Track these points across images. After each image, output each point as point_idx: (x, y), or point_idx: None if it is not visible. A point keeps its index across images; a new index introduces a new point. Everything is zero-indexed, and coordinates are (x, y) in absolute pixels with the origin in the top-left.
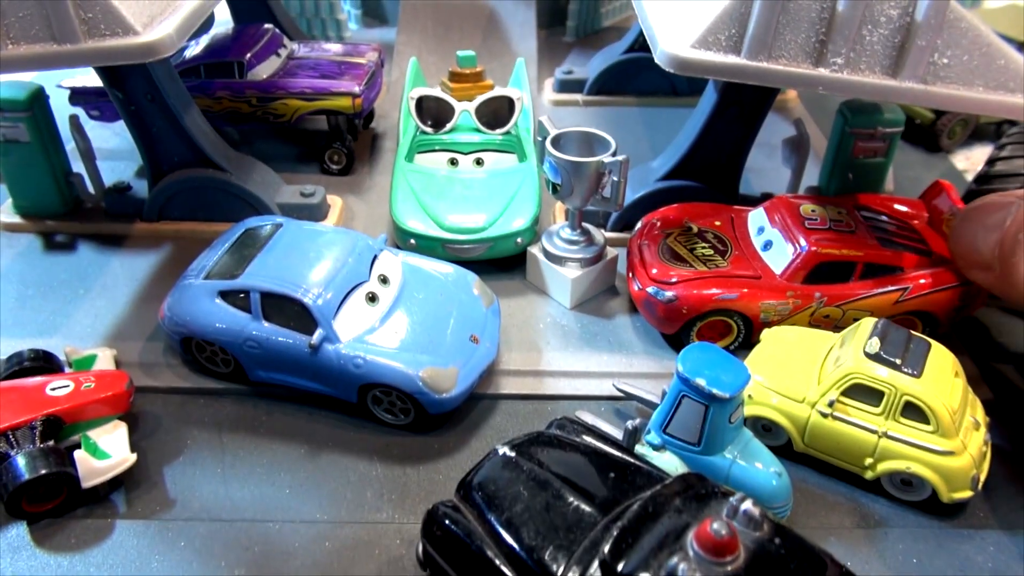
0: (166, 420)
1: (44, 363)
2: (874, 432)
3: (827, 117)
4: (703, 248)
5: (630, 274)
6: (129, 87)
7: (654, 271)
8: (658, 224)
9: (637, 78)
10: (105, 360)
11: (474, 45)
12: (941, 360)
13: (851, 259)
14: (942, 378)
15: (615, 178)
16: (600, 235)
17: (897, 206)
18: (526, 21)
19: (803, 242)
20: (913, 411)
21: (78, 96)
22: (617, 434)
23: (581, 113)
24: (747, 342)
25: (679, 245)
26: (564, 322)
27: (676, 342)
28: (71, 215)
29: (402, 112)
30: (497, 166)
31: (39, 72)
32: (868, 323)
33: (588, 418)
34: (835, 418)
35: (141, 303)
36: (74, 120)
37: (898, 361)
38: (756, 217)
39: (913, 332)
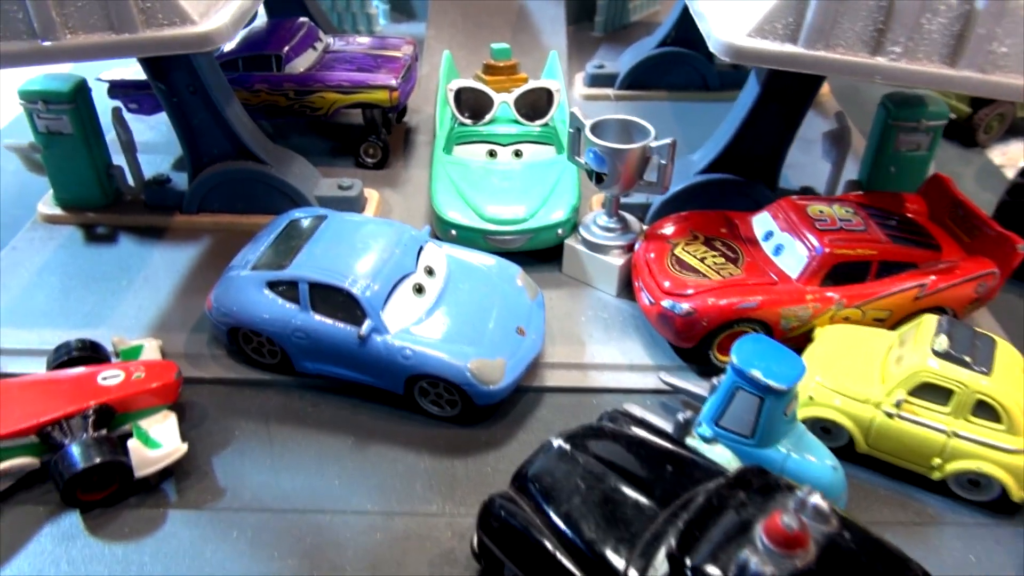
0: (213, 410)
1: (92, 353)
2: (943, 432)
3: (860, 110)
4: (714, 257)
5: (638, 286)
6: (172, 79)
7: (666, 284)
8: (663, 235)
9: (669, 73)
10: (151, 350)
11: (504, 40)
12: (1008, 357)
13: (866, 258)
14: (1011, 375)
15: (662, 161)
16: (636, 221)
17: (898, 202)
18: (556, 17)
19: (817, 244)
20: (984, 409)
21: (117, 89)
22: (667, 427)
23: (612, 108)
24: None
25: (689, 255)
26: (606, 315)
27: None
28: (111, 207)
29: (438, 105)
30: (536, 158)
31: (81, 63)
32: (930, 320)
33: (637, 411)
34: (902, 418)
35: (183, 295)
36: (116, 112)
37: (968, 359)
38: (762, 221)
39: (977, 329)
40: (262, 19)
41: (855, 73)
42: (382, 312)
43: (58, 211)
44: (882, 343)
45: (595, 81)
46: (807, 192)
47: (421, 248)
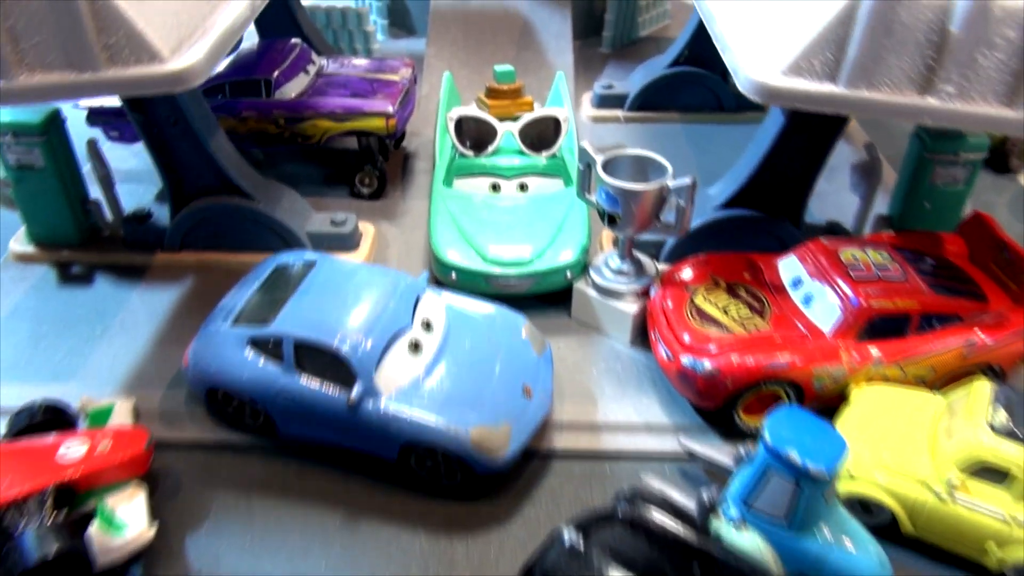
0: (188, 480)
1: (57, 417)
2: (1002, 518)
3: (889, 139)
4: (737, 307)
5: (655, 338)
6: (151, 110)
7: (686, 337)
8: (681, 280)
9: (682, 93)
10: (123, 412)
11: (508, 58)
12: None
13: (907, 311)
14: None
15: (681, 203)
16: (651, 263)
17: (937, 243)
18: (562, 33)
19: (851, 295)
20: None
21: (96, 116)
22: (689, 504)
23: (622, 130)
24: None
25: (709, 304)
26: (619, 366)
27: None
28: (88, 244)
29: (438, 132)
30: (542, 191)
31: (57, 102)
32: (983, 388)
33: (656, 485)
34: (955, 501)
35: (162, 344)
36: (92, 145)
37: None
38: (789, 266)
39: None
40: (252, 39)
41: (902, 115)
42: (374, 374)
43: (31, 249)
44: (927, 408)
45: (603, 102)
46: (834, 228)
47: (418, 299)
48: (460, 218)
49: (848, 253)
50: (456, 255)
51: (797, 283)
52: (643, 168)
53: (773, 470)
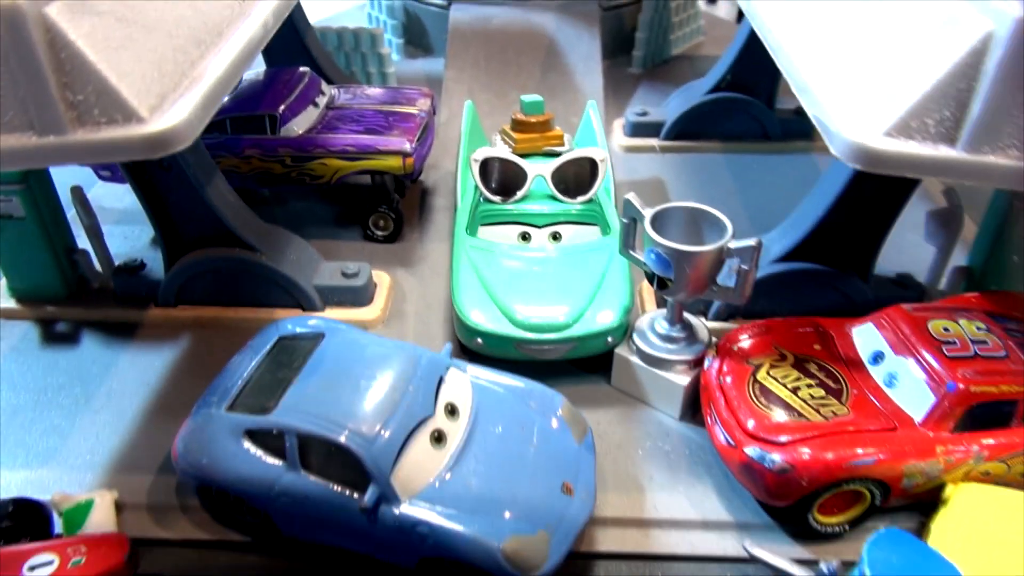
0: None
1: (29, 516)
2: None
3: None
4: (809, 386)
5: (711, 421)
6: None
7: (750, 423)
8: (741, 350)
9: (723, 121)
10: (103, 508)
11: (533, 81)
12: None
13: (1013, 397)
14: None
15: (743, 267)
16: (704, 328)
17: None
18: (590, 54)
19: (947, 378)
20: None
21: None
22: None
23: (658, 161)
24: (882, 508)
25: (776, 382)
26: (668, 446)
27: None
28: (75, 298)
29: (459, 169)
30: (577, 240)
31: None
32: None
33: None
34: None
35: (153, 418)
36: (77, 192)
37: None
38: (866, 337)
39: None
40: (259, 67)
41: None
42: (391, 473)
43: (13, 304)
44: None
45: (637, 130)
46: (906, 280)
47: (441, 379)
48: (485, 273)
49: (938, 325)
50: (482, 317)
51: (877, 358)
52: (696, 223)
53: None
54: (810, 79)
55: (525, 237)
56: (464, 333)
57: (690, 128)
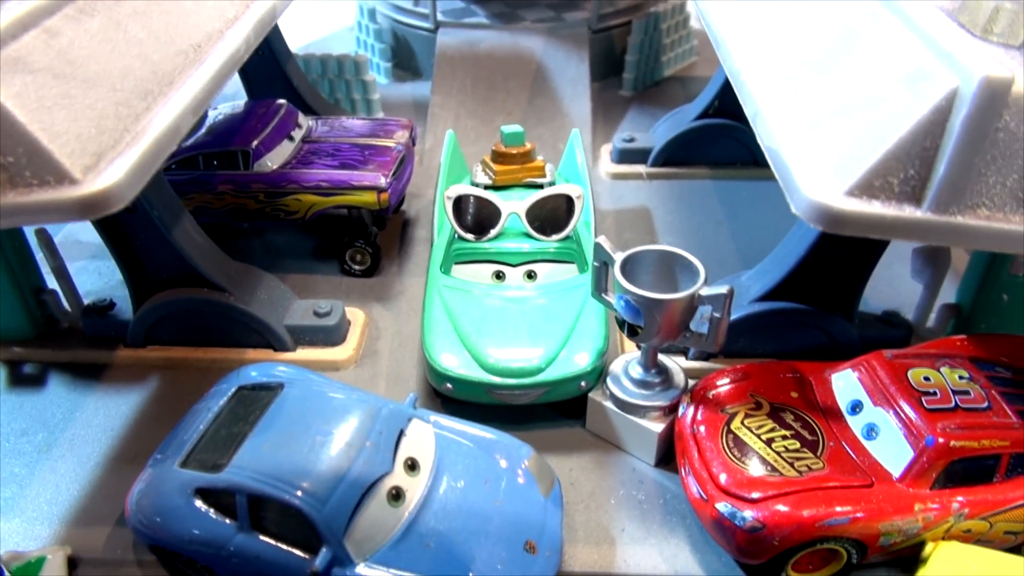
0: None
1: None
2: None
3: None
4: (784, 438)
5: (684, 472)
6: None
7: (723, 478)
8: (716, 397)
9: (711, 147)
10: (55, 566)
11: (520, 107)
12: None
13: (995, 451)
14: None
15: (715, 314)
16: (680, 372)
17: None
18: (578, 77)
19: (926, 432)
20: None
21: None
22: None
23: (645, 188)
24: (858, 565)
25: (750, 434)
26: (642, 495)
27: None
28: (44, 339)
29: (437, 204)
30: (553, 279)
31: None
32: None
33: None
34: None
35: (114, 466)
36: (42, 234)
37: None
38: (845, 384)
39: None
40: (240, 98)
41: (1007, 247)
42: (345, 535)
43: None
44: None
45: (624, 157)
46: (892, 318)
47: (402, 432)
48: (458, 314)
49: (918, 374)
50: (452, 361)
51: (856, 408)
52: (669, 267)
53: None
54: (775, 130)
55: (500, 276)
56: (434, 377)
57: (678, 155)
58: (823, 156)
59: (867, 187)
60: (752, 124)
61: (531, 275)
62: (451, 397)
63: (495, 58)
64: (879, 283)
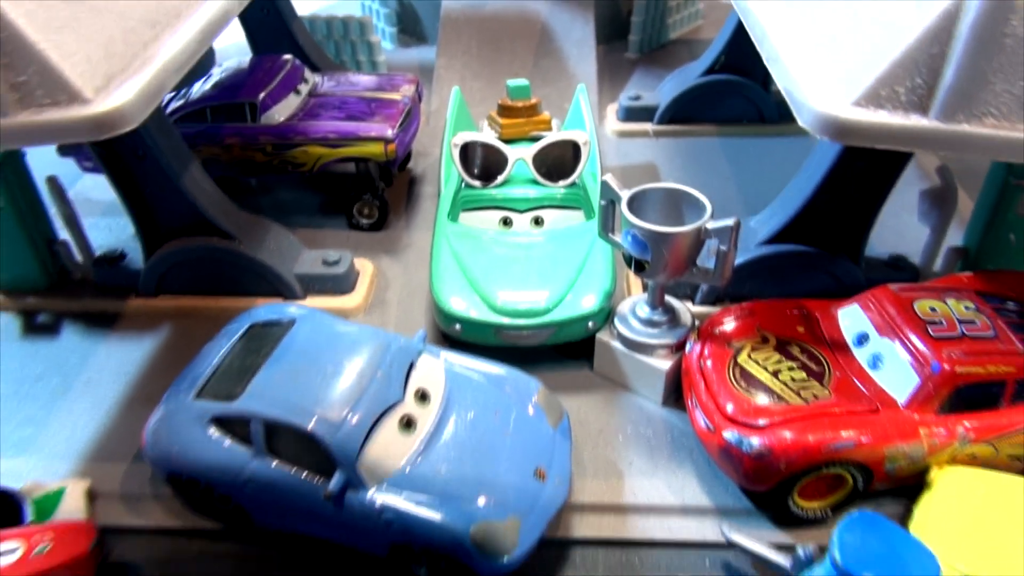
0: (151, 571)
1: (1, 504)
2: None
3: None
4: (791, 369)
5: (691, 404)
6: (113, 142)
7: (729, 407)
8: (723, 333)
9: (718, 104)
10: (74, 497)
11: (525, 68)
12: None
13: (1000, 378)
14: None
15: (722, 247)
16: (687, 312)
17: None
18: (584, 39)
19: (932, 359)
20: None
21: (67, 146)
22: None
23: (652, 146)
24: (865, 493)
25: (757, 365)
26: (649, 431)
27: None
28: (56, 289)
29: (443, 156)
30: (560, 225)
31: None
32: None
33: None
34: None
35: (129, 407)
36: (52, 182)
37: None
38: (852, 318)
39: None
40: (244, 54)
41: (1013, 156)
42: (358, 460)
43: None
44: None
45: (631, 115)
46: (899, 262)
47: (412, 364)
48: (466, 259)
49: (925, 305)
50: (461, 304)
51: (862, 340)
52: (676, 204)
53: None
54: (781, 48)
55: (507, 222)
56: (443, 320)
57: (684, 112)
58: (830, 70)
59: (874, 97)
60: (758, 47)
61: (538, 221)
62: (460, 340)
63: (500, 21)
64: (885, 231)
